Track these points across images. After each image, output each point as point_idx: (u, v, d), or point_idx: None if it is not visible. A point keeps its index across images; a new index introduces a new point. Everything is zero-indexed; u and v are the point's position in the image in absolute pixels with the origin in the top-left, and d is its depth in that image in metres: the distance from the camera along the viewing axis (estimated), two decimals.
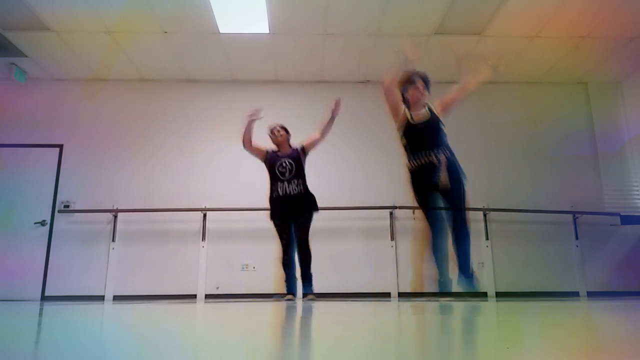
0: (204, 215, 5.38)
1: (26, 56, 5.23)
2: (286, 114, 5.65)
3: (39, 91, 5.74)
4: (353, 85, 5.95)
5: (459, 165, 3.45)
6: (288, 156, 4.02)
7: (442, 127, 3.45)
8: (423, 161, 3.35)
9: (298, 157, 4.04)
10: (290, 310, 2.47)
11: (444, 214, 3.38)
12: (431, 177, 3.33)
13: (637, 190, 5.68)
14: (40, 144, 5.58)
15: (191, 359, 0.88)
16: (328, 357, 0.88)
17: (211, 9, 4.47)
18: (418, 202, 3.44)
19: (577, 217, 5.53)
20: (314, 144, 4.09)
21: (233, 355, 0.93)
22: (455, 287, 3.37)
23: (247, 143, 4.05)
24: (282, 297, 4.03)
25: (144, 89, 5.84)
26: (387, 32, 4.88)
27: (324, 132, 4.04)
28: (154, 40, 4.99)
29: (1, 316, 2.22)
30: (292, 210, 3.96)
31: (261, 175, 5.54)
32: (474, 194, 5.55)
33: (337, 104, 3.96)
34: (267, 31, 4.85)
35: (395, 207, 5.42)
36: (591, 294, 5.30)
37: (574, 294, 5.30)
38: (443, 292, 3.33)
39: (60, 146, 5.60)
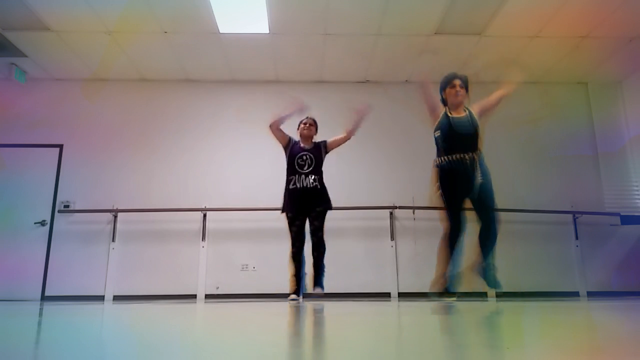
0: (204, 215, 5.38)
1: (26, 56, 5.23)
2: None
3: (39, 91, 5.74)
4: (353, 85, 5.95)
5: (488, 170, 3.47)
6: (310, 150, 3.99)
7: (479, 132, 3.45)
8: (457, 161, 3.35)
9: (319, 153, 4.01)
10: (290, 311, 2.47)
11: (466, 214, 3.41)
12: (464, 178, 3.34)
13: (637, 190, 5.68)
14: (40, 144, 5.58)
15: (191, 359, 0.88)
16: (328, 357, 0.88)
17: (211, 9, 4.47)
18: (446, 199, 3.42)
19: (577, 217, 5.53)
20: (338, 143, 4.06)
21: (233, 355, 0.93)
22: (463, 286, 3.41)
23: (275, 127, 3.98)
24: (291, 296, 3.92)
25: (144, 89, 5.84)
26: (387, 32, 4.88)
27: (350, 134, 4.02)
28: (154, 40, 4.99)
29: (1, 316, 2.22)
30: (305, 205, 3.93)
31: (261, 175, 5.56)
32: None
33: (363, 110, 3.96)
34: (267, 31, 4.85)
35: (395, 207, 5.42)
36: (591, 294, 5.29)
37: (574, 294, 5.30)
38: (448, 291, 3.34)
39: (60, 146, 5.60)
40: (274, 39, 5.02)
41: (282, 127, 4.02)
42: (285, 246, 5.29)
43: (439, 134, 3.47)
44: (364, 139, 5.74)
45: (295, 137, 4.12)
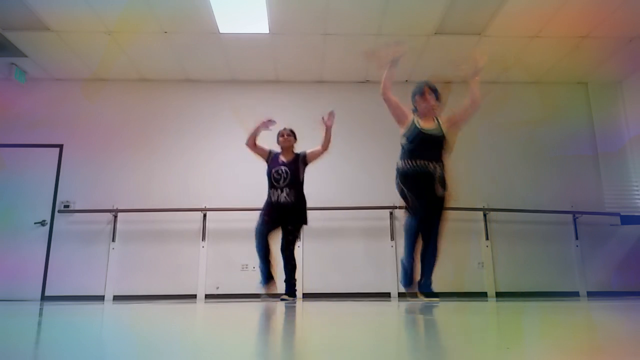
0: (204, 215, 5.38)
1: (26, 56, 5.23)
2: (286, 114, 5.66)
3: (39, 91, 5.74)
4: (353, 85, 5.95)
5: (448, 182, 3.48)
6: (286, 164, 4.02)
7: (445, 145, 3.45)
8: (420, 167, 3.36)
9: (297, 166, 4.03)
10: (290, 311, 2.47)
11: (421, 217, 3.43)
12: (425, 182, 3.36)
13: (637, 190, 5.68)
14: (40, 144, 5.58)
15: (191, 359, 0.88)
16: (328, 357, 0.88)
17: (211, 9, 4.47)
18: (407, 193, 3.41)
19: (577, 217, 5.53)
20: (316, 155, 4.08)
21: (233, 355, 0.93)
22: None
23: (251, 144, 4.09)
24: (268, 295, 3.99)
25: (144, 89, 5.84)
26: (387, 32, 4.88)
27: (325, 145, 4.02)
28: (154, 40, 4.99)
29: (1, 316, 2.22)
30: (280, 218, 3.98)
31: (261, 176, 5.55)
32: (474, 194, 5.57)
33: (330, 116, 3.95)
34: (267, 31, 4.85)
35: (395, 207, 5.42)
36: (591, 294, 5.30)
37: (574, 294, 5.30)
38: (407, 285, 3.42)
39: (60, 146, 5.60)
40: (274, 39, 5.02)
41: (261, 143, 4.09)
42: None
43: (405, 141, 3.46)
44: (364, 138, 5.75)
45: (277, 149, 4.16)
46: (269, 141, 4.23)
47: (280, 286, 4.01)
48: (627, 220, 5.57)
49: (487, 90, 5.91)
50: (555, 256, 5.48)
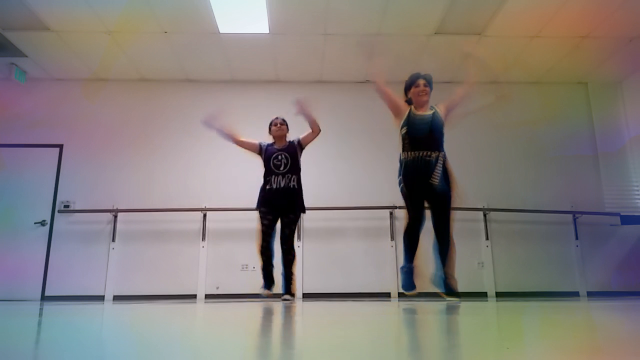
0: (204, 215, 5.38)
1: (26, 56, 5.23)
2: (286, 114, 5.65)
3: (39, 91, 5.74)
4: (353, 85, 5.95)
5: (452, 172, 3.46)
6: (284, 150, 4.00)
7: (444, 132, 3.45)
8: (420, 158, 3.35)
9: (295, 152, 4.01)
10: (290, 310, 2.47)
11: (425, 211, 3.41)
12: (425, 173, 3.34)
13: (637, 190, 5.68)
14: (40, 144, 5.58)
15: (191, 359, 0.88)
16: (328, 357, 0.88)
17: (211, 9, 4.47)
18: (407, 193, 3.41)
19: (577, 217, 5.53)
20: (309, 139, 4.05)
21: (233, 355, 0.93)
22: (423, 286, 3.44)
23: (234, 140, 4.07)
24: (264, 291, 3.95)
25: (144, 89, 5.84)
26: (387, 32, 4.88)
27: (313, 127, 3.97)
28: (154, 40, 4.99)
29: (1, 316, 2.22)
30: (282, 205, 3.93)
31: (261, 175, 5.55)
32: (474, 194, 5.57)
33: (298, 105, 3.88)
34: (267, 31, 4.85)
35: (395, 207, 5.42)
36: (591, 294, 5.30)
37: (574, 294, 5.30)
38: (407, 289, 3.38)
39: (60, 146, 5.60)
40: (274, 39, 5.02)
41: (245, 138, 4.09)
42: None
43: (405, 131, 3.45)
44: (364, 138, 5.74)
45: (268, 140, 4.14)
46: (260, 133, 4.22)
47: (278, 283, 3.98)
48: (627, 220, 5.57)
49: (493, 89, 5.91)
50: (555, 256, 5.47)
